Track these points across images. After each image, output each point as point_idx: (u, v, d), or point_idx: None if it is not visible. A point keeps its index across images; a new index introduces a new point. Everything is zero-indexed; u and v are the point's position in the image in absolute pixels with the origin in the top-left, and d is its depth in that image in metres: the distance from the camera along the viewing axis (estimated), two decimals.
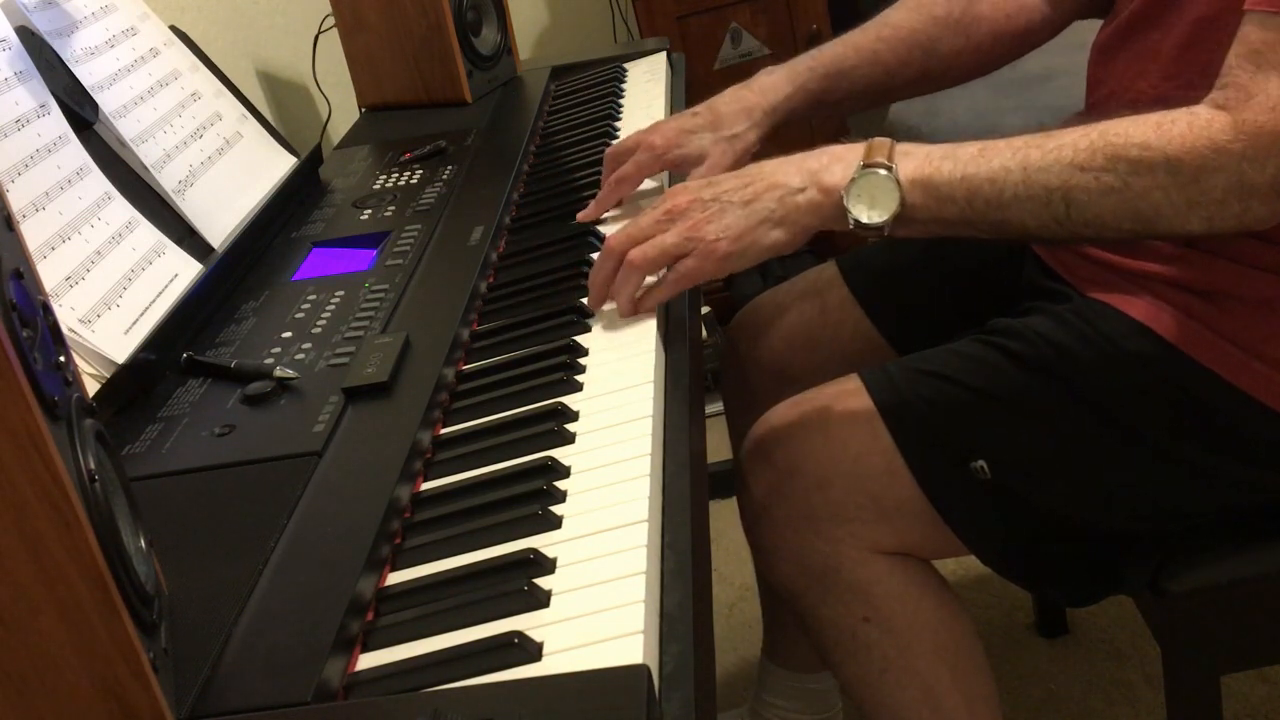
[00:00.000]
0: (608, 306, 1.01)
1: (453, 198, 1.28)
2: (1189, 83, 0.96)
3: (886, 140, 0.97)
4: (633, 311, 0.98)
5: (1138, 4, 1.07)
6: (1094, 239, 0.96)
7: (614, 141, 1.29)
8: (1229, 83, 0.88)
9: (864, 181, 0.95)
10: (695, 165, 1.21)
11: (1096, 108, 1.14)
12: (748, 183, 0.99)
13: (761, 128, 1.23)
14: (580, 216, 1.19)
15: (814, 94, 1.25)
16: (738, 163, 1.20)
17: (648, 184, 1.24)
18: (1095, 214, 0.91)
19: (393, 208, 1.28)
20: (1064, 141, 0.92)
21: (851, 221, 0.95)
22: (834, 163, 0.97)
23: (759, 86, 1.25)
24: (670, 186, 1.05)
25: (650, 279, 1.00)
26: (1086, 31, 1.21)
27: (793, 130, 1.30)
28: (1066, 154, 0.91)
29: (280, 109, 1.78)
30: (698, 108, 1.25)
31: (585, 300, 1.02)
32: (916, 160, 0.95)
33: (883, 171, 0.94)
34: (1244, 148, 0.86)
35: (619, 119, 1.48)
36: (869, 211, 0.95)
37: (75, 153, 1.07)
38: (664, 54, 1.70)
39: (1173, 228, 0.90)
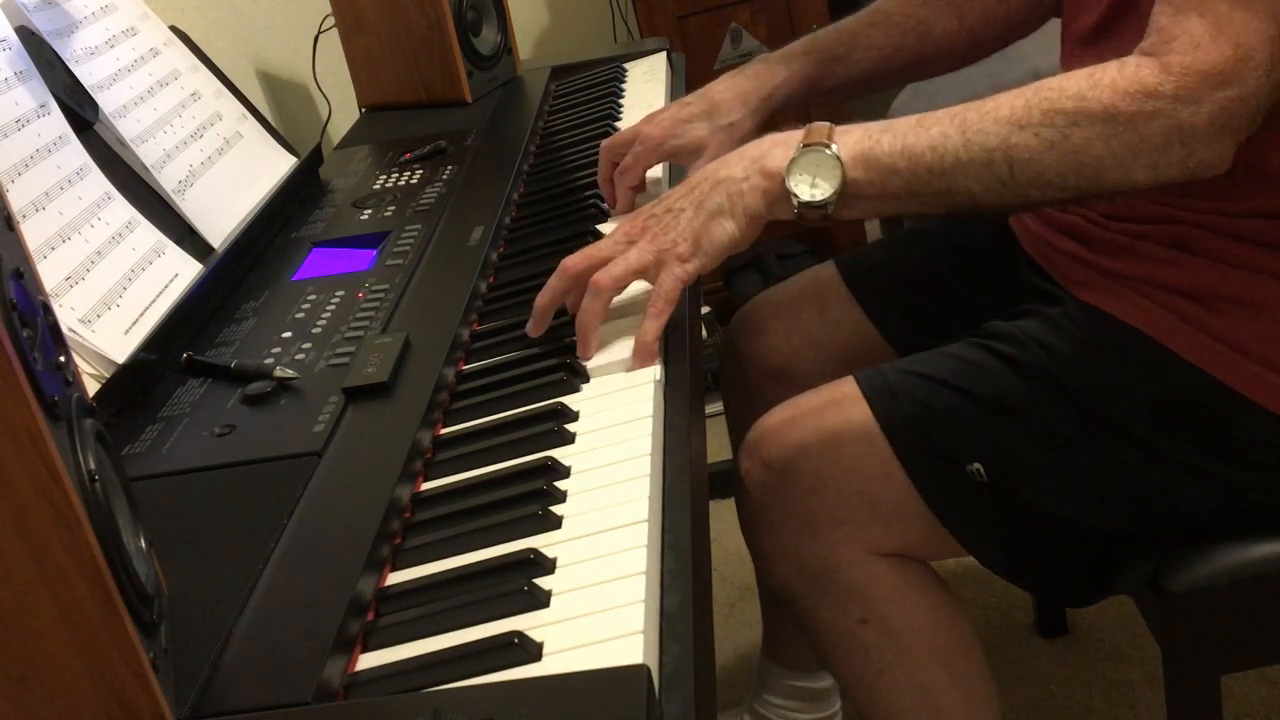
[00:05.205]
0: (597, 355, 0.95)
1: (453, 198, 1.28)
2: None
3: (826, 123, 0.97)
4: (595, 350, 0.94)
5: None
6: (1041, 200, 0.94)
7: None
8: (1152, 29, 0.88)
9: (804, 160, 0.95)
10: (692, 155, 1.20)
11: None
12: (694, 186, 0.99)
13: (758, 114, 1.23)
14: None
15: (810, 79, 1.25)
16: None
17: (653, 173, 1.24)
18: (1038, 171, 0.90)
19: (393, 208, 1.28)
20: (1000, 102, 0.92)
21: (795, 203, 0.95)
22: (774, 147, 0.98)
23: (753, 72, 1.25)
24: (670, 184, 1.04)
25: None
26: None
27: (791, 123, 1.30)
28: (1004, 112, 0.91)
29: (280, 109, 1.78)
30: (691, 96, 1.24)
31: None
32: (855, 136, 0.95)
33: (823, 150, 0.94)
34: (1175, 89, 0.86)
35: (619, 119, 1.48)
36: (810, 190, 0.95)
37: (75, 153, 1.07)
38: (664, 54, 1.70)
39: (1118, 180, 0.90)
